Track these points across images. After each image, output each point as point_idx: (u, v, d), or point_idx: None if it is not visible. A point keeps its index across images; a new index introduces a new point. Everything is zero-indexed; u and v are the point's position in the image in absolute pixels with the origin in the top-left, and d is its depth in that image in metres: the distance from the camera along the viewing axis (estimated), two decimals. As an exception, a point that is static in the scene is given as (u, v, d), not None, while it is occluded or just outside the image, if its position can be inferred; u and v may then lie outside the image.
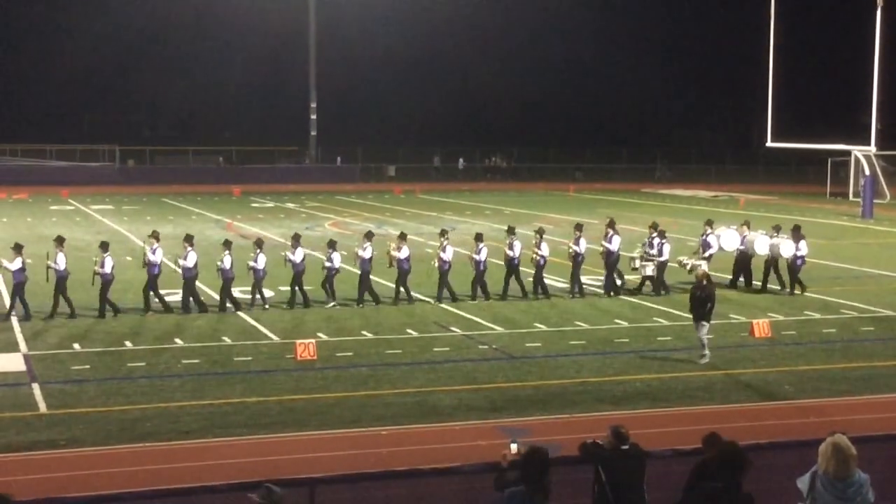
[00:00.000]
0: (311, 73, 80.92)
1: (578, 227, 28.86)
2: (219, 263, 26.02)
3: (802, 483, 9.41)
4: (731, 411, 17.91)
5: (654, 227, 29.57)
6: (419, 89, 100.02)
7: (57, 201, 59.25)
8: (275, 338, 23.05)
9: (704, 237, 30.22)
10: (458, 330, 24.15)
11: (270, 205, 59.37)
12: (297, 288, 26.34)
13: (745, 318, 25.33)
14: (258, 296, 26.24)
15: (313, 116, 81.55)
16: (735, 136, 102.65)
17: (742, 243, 29.94)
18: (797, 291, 29.06)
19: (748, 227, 30.55)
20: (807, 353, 22.35)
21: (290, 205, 59.18)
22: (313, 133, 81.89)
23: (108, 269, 24.98)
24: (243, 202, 61.21)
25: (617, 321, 25.32)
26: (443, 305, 26.78)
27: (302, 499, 10.33)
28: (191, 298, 25.60)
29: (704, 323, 20.89)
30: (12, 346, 21.93)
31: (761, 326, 23.74)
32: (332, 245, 26.90)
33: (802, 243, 29.05)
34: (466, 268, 27.96)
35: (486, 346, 22.51)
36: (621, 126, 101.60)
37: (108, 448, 15.65)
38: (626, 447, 10.78)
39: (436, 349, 22.15)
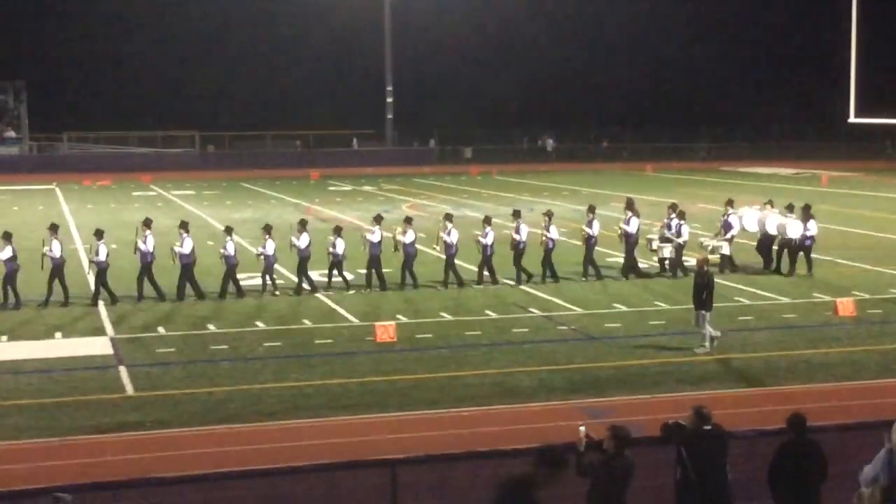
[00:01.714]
0: (386, 55, 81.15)
1: (591, 209, 28.48)
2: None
3: (873, 467, 9.26)
4: (815, 391, 17.68)
5: (672, 207, 29.00)
6: (495, 70, 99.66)
7: (139, 187, 60.15)
8: (354, 320, 23.21)
9: (726, 217, 29.27)
10: (536, 311, 24.11)
11: (348, 188, 59.70)
12: (303, 275, 26.08)
13: (829, 297, 24.93)
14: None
15: (389, 99, 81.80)
16: (817, 111, 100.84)
17: (757, 224, 29.26)
18: (802, 272, 28.10)
19: (771, 207, 29.66)
20: (894, 331, 21.97)
21: (368, 188, 59.46)
22: (390, 116, 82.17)
23: (102, 257, 24.87)
24: (321, 186, 61.62)
25: (697, 301, 25.06)
26: (522, 287, 26.74)
27: (384, 479, 10.43)
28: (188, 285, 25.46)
29: (704, 312, 20.05)
30: (99, 330, 22.36)
31: (846, 305, 23.38)
32: (336, 231, 26.55)
33: (811, 223, 28.11)
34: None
35: (565, 327, 22.45)
36: (698, 104, 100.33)
37: (192, 429, 15.91)
38: (708, 427, 10.70)
39: (515, 330, 22.14)
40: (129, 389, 17.94)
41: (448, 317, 23.51)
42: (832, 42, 69.77)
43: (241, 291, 25.67)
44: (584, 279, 27.63)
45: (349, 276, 26.70)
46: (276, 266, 26.50)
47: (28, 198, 53.47)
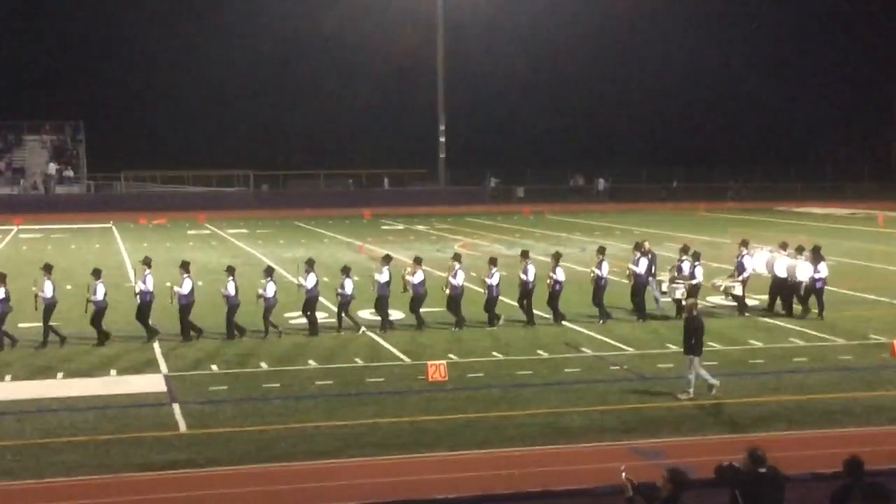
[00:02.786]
0: (439, 95, 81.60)
1: (601, 250, 28.21)
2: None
3: None
4: (873, 434, 17.40)
5: (685, 249, 28.63)
6: (547, 110, 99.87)
7: (194, 226, 60.78)
8: (406, 359, 23.22)
9: (739, 259, 28.74)
10: (588, 351, 24.01)
11: (400, 227, 59.92)
12: (308, 313, 25.85)
13: (885, 339, 24.60)
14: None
15: (442, 139, 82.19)
16: (872, 151, 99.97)
17: (766, 266, 28.74)
18: (813, 314, 27.61)
19: (785, 250, 28.98)
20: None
21: (420, 227, 59.65)
22: (442, 155, 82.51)
23: (100, 297, 24.83)
24: (373, 225, 61.92)
25: (751, 342, 24.86)
26: (572, 325, 26.63)
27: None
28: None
29: (694, 357, 19.64)
30: (154, 367, 22.55)
31: (903, 347, 23.03)
32: (345, 271, 26.34)
33: (822, 265, 27.52)
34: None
35: (616, 367, 22.31)
36: (753, 143, 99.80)
37: (245, 467, 15.94)
38: (763, 470, 10.57)
39: (567, 370, 22.03)
40: (182, 427, 18.04)
41: (499, 356, 23.46)
42: (890, 81, 69.20)
43: (241, 332, 25.43)
44: (601, 321, 27.18)
45: (400, 315, 26.70)
46: (323, 301, 26.54)
47: (85, 236, 54.20)
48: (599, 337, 25.49)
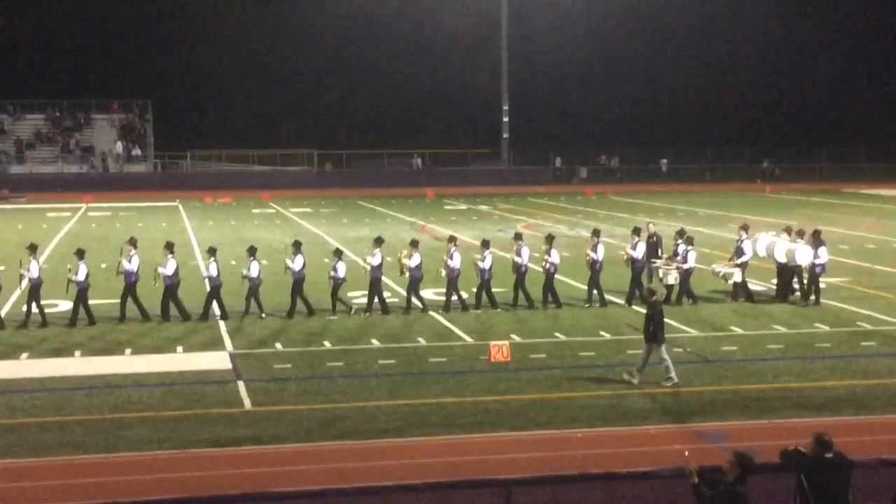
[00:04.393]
0: (503, 75, 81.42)
1: (596, 233, 27.75)
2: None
3: None
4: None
5: (680, 233, 28.18)
6: (610, 90, 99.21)
7: (259, 205, 61.27)
8: (468, 339, 23.27)
9: (739, 243, 28.11)
10: (652, 333, 23.85)
11: (463, 207, 59.95)
12: (297, 297, 25.72)
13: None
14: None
15: (505, 119, 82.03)
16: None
17: (766, 250, 28.17)
18: (811, 301, 26.96)
19: (789, 234, 28.37)
20: None
21: (483, 207, 59.63)
22: (505, 135, 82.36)
23: (82, 277, 24.73)
24: (436, 205, 61.99)
25: (817, 325, 24.58)
26: (634, 307, 26.51)
27: (498, 499, 10.44)
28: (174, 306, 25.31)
29: (655, 345, 19.18)
30: (219, 345, 22.83)
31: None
32: (337, 254, 26.16)
33: (822, 250, 26.84)
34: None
35: (680, 349, 22.17)
36: (819, 123, 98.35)
37: (309, 445, 16.11)
38: (829, 455, 10.48)
39: (629, 351, 21.93)
40: (247, 404, 18.25)
41: (562, 337, 23.43)
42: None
43: (224, 314, 25.35)
44: (586, 305, 26.76)
45: (464, 295, 26.68)
46: (386, 281, 26.61)
47: (153, 215, 54.89)
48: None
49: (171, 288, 25.38)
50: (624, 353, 21.74)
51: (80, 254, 25.42)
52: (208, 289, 25.69)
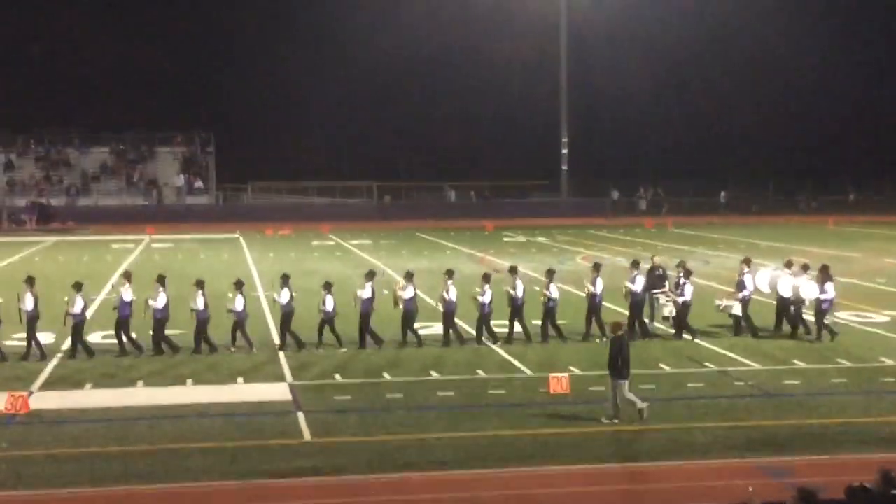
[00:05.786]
0: (562, 106, 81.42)
1: (596, 266, 27.48)
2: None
3: None
4: None
5: (680, 265, 27.88)
6: (668, 122, 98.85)
7: (318, 237, 61.63)
8: (528, 371, 23.22)
9: (741, 277, 27.56)
10: (712, 366, 23.69)
11: (522, 239, 59.88)
12: (286, 331, 25.67)
13: None
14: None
15: (564, 150, 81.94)
16: None
17: (768, 285, 27.63)
18: (825, 337, 26.20)
19: (790, 268, 27.63)
20: None
21: (542, 239, 59.52)
22: (564, 167, 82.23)
23: (78, 310, 24.76)
24: (495, 237, 61.98)
25: (882, 359, 24.24)
26: (697, 341, 26.31)
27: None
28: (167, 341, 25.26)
29: (621, 381, 18.91)
30: (279, 377, 22.97)
31: None
32: (326, 287, 25.81)
33: (829, 285, 26.16)
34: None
35: (741, 383, 21.97)
36: (888, 153, 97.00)
37: (367, 476, 16.14)
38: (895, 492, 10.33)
39: (690, 385, 21.79)
40: (307, 435, 18.34)
41: (622, 370, 23.26)
42: None
43: (213, 348, 25.34)
44: (599, 340, 26.19)
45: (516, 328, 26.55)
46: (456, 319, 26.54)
47: (214, 246, 55.41)
48: (723, 352, 25.14)
49: (160, 322, 25.25)
50: (684, 387, 21.57)
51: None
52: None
